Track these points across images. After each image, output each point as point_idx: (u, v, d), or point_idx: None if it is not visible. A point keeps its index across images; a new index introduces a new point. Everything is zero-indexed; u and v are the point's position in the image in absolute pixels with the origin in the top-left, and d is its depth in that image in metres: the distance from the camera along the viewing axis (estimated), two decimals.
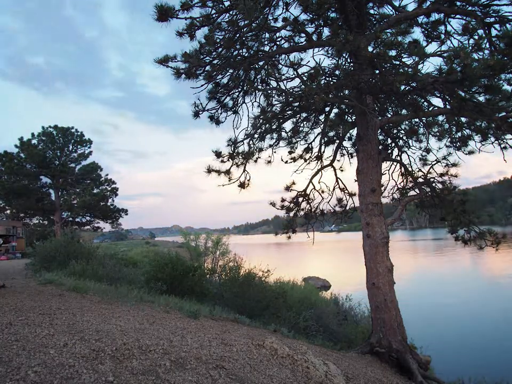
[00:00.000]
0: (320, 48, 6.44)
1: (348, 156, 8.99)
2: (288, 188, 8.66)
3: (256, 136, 7.95)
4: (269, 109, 7.44)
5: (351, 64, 6.43)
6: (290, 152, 8.81)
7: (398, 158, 8.38)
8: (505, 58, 4.58)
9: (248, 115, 7.40)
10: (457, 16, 6.03)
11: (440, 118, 7.57)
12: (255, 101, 7.39)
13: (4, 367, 2.22)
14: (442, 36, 6.43)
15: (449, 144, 7.83)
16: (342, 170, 9.03)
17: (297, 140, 8.77)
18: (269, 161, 8.37)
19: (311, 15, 6.69)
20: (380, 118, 7.35)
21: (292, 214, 8.86)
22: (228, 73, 6.75)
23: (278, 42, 6.85)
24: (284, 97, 6.86)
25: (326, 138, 8.82)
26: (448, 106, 6.19)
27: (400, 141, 8.60)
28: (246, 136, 7.71)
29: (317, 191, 8.79)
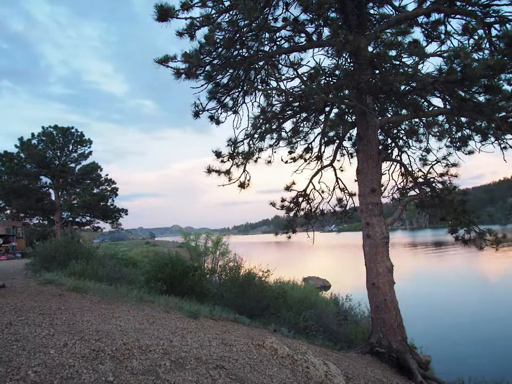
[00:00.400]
0: (320, 48, 6.44)
1: (348, 156, 8.99)
2: (288, 188, 8.66)
3: (256, 136, 7.96)
4: (269, 109, 7.44)
5: (351, 64, 6.42)
6: (290, 152, 8.81)
7: (398, 158, 8.38)
8: (505, 58, 4.57)
9: (248, 115, 7.43)
10: (457, 16, 6.02)
11: (440, 118, 7.58)
12: (255, 101, 7.41)
13: (3, 367, 2.22)
14: (442, 36, 6.41)
15: (449, 144, 7.84)
16: (342, 170, 9.03)
17: (297, 140, 8.77)
18: (269, 161, 8.38)
19: (311, 15, 6.69)
20: (379, 118, 7.35)
21: (292, 214, 8.86)
22: (228, 73, 6.76)
23: (278, 42, 6.85)
24: (283, 97, 6.86)
25: (326, 138, 8.82)
26: (448, 106, 6.19)
27: (400, 141, 8.60)
28: (246, 136, 7.72)
29: (317, 191, 8.79)
